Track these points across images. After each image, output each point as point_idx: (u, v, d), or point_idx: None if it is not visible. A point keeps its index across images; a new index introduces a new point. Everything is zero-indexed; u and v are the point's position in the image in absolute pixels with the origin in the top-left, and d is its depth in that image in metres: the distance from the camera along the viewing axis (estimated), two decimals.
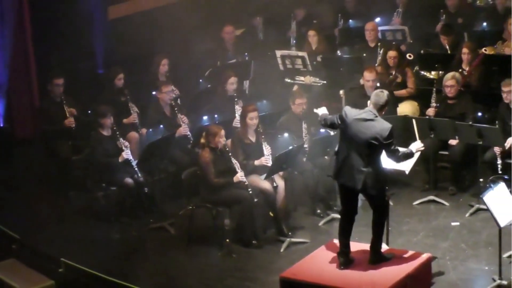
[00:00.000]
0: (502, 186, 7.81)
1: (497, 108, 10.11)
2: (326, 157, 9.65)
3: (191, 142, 10.44)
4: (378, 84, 10.50)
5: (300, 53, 11.94)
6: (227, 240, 9.06)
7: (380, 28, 12.65)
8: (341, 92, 10.96)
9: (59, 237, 9.59)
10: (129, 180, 9.76)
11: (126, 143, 9.95)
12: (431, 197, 9.96)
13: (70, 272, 8.65)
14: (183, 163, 10.17)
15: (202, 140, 9.25)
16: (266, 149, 9.47)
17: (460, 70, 10.92)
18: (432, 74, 11.74)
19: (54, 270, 8.69)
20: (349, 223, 7.99)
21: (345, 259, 7.93)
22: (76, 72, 12.12)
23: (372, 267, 7.87)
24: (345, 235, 7.98)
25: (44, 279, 8.55)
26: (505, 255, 8.14)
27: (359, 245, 8.25)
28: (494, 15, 12.85)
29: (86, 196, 10.34)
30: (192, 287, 8.49)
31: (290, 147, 9.21)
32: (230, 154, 9.15)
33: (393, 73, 11.28)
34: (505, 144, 9.47)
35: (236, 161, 9.15)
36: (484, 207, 8.28)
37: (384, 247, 8.18)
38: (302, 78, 11.84)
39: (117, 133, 9.95)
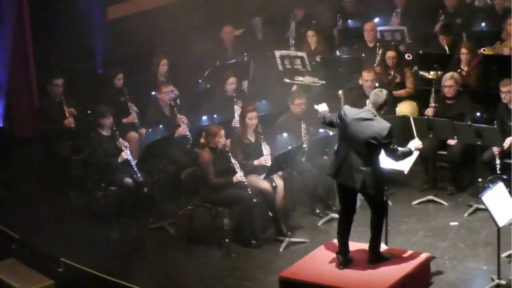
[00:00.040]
0: (500, 186, 7.81)
1: (495, 108, 10.11)
2: (325, 157, 9.63)
3: (191, 142, 10.44)
4: (377, 84, 10.49)
5: (299, 53, 11.95)
6: (227, 240, 9.06)
7: (379, 28, 12.64)
8: (340, 92, 10.94)
9: (59, 237, 9.59)
10: (128, 180, 9.76)
11: (126, 143, 9.94)
12: (430, 197, 9.95)
13: (69, 272, 8.63)
14: (183, 163, 10.17)
15: (202, 140, 9.24)
16: (265, 149, 9.46)
17: (458, 70, 10.93)
18: (431, 74, 11.74)
19: (54, 270, 8.67)
20: (348, 222, 8.00)
21: (344, 258, 7.94)
22: (75, 72, 12.14)
23: (371, 267, 7.87)
24: (344, 234, 7.99)
25: (44, 279, 8.56)
26: (503, 255, 8.14)
27: (358, 244, 8.26)
28: (492, 15, 12.84)
29: (85, 196, 10.32)
30: (192, 287, 8.50)
31: (289, 147, 9.19)
32: (229, 154, 9.17)
33: (392, 73, 11.29)
34: (504, 144, 9.46)
35: (235, 161, 9.16)
36: (483, 207, 8.29)
37: (383, 246, 8.18)
38: (301, 78, 11.85)
39: (117, 133, 9.94)
